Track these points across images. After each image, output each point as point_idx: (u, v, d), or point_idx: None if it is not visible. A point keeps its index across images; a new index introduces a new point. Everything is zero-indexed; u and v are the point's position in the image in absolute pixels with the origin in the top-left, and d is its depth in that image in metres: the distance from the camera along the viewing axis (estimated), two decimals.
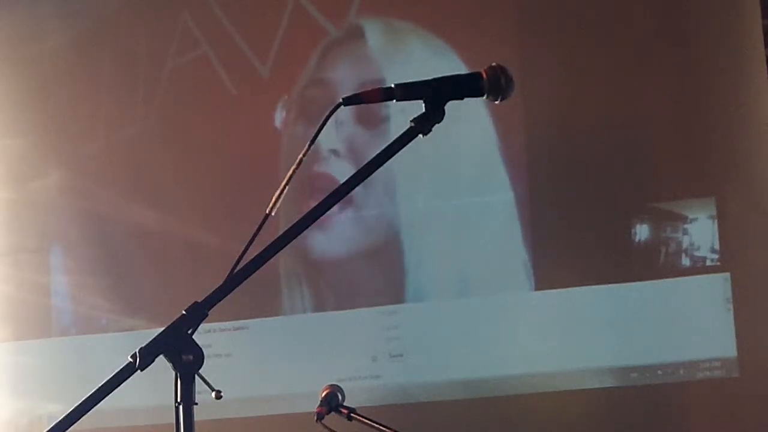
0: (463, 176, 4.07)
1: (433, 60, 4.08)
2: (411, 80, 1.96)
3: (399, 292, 4.08)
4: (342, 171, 4.03)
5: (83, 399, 1.75)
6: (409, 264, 4.08)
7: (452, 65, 3.97)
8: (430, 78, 1.97)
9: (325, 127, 1.93)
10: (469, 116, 3.96)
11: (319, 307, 4.19)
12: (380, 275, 4.12)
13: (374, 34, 4.23)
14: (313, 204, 1.89)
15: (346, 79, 4.22)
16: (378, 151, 1.91)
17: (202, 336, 1.75)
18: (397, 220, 4.11)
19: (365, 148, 4.04)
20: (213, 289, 1.81)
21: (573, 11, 3.97)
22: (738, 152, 3.79)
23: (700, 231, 3.78)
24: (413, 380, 4.02)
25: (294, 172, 1.93)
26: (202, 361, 1.77)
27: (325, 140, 4.06)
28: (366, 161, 1.91)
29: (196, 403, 1.77)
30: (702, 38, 3.84)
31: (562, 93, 3.95)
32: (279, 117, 4.29)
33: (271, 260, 1.85)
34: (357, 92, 1.97)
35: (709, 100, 3.81)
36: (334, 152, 4.09)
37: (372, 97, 1.97)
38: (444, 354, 3.98)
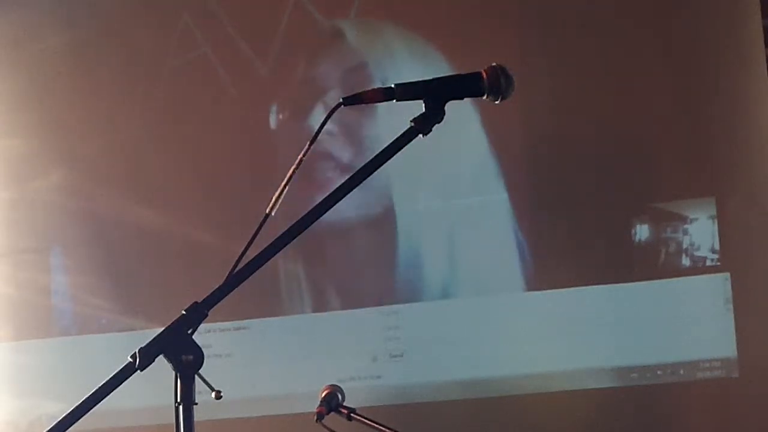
0: (461, 176, 4.07)
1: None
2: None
3: (399, 292, 4.08)
4: None
5: (83, 399, 1.75)
6: (410, 264, 4.08)
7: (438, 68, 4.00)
8: (430, 78, 1.98)
9: None
10: (468, 117, 3.97)
11: (319, 307, 4.19)
12: (380, 275, 4.12)
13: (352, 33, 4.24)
14: None
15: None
16: None
17: (202, 336, 1.75)
18: (397, 220, 4.11)
19: None
20: (213, 289, 1.81)
21: (573, 11, 3.97)
22: (738, 152, 3.79)
23: (700, 231, 3.78)
24: (413, 380, 4.02)
25: (294, 171, 1.93)
26: (202, 361, 1.77)
27: None
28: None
29: (196, 403, 1.77)
30: (702, 38, 3.84)
31: (561, 92, 3.95)
32: (273, 118, 4.30)
33: (271, 260, 1.85)
34: (357, 92, 1.97)
35: (709, 100, 3.81)
36: None
37: (372, 97, 1.97)
38: (444, 354, 3.97)
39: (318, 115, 4.19)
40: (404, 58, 4.14)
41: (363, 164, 1.92)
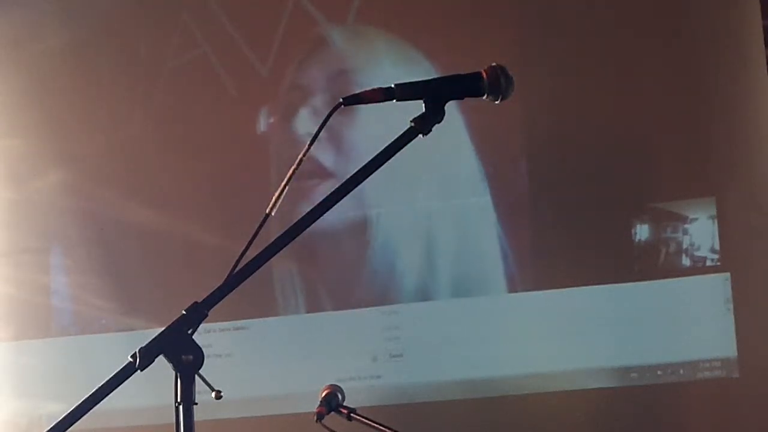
0: (461, 176, 4.06)
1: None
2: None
3: (399, 292, 4.08)
4: None
5: (83, 399, 1.75)
6: (410, 264, 4.08)
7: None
8: (430, 78, 1.98)
9: None
10: (453, 119, 3.98)
11: (318, 307, 4.18)
12: (380, 275, 4.12)
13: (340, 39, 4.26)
14: None
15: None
16: None
17: (202, 336, 1.75)
18: (397, 221, 4.11)
19: None
20: (213, 289, 1.81)
21: (572, 11, 3.97)
22: (738, 152, 3.79)
23: (700, 231, 3.78)
24: (413, 380, 4.02)
25: (294, 171, 1.93)
26: (202, 361, 1.77)
27: None
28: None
29: (196, 403, 1.77)
30: (702, 38, 3.84)
31: (561, 93, 3.95)
32: (263, 122, 4.30)
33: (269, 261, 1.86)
34: (357, 92, 1.97)
35: (709, 100, 3.81)
36: None
37: (372, 96, 1.97)
38: (444, 354, 3.97)
39: (303, 120, 4.22)
40: (396, 68, 4.14)
41: (364, 164, 1.92)
